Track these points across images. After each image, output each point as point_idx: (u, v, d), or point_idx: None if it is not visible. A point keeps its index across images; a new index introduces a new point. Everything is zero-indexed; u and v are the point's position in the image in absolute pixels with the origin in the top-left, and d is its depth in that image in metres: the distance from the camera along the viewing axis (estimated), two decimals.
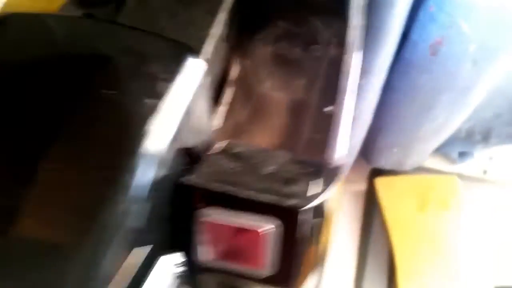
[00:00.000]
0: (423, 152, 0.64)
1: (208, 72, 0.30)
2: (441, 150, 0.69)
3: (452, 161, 0.70)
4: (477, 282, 0.60)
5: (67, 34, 0.30)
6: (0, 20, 0.32)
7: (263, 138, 0.38)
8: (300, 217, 0.28)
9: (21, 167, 0.26)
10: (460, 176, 0.68)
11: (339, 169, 0.32)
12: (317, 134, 0.38)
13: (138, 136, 0.26)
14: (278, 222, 0.28)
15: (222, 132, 0.39)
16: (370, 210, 0.69)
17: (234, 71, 0.41)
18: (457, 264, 0.61)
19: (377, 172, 0.70)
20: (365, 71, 0.49)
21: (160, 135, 0.26)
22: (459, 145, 0.68)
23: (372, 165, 0.69)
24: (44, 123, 0.27)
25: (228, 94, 0.40)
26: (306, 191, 0.28)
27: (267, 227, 0.28)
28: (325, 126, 0.38)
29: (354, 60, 0.35)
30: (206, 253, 0.29)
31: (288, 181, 0.29)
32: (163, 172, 0.27)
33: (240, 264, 0.29)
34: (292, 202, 0.27)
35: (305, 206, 0.28)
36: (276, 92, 0.41)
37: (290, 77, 0.41)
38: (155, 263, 0.28)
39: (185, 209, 0.29)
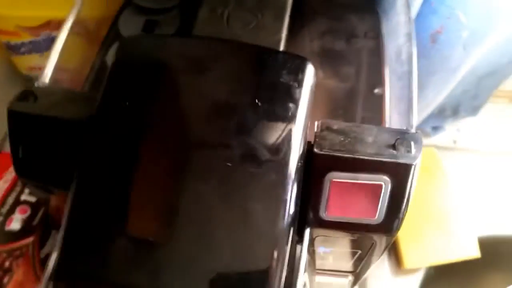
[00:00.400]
0: None
1: None
2: (417, 126, 0.79)
3: (427, 135, 0.81)
4: (465, 233, 0.71)
5: (201, 54, 0.35)
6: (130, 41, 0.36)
7: (321, 116, 0.45)
8: (412, 170, 0.34)
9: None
10: (435, 147, 0.79)
11: (420, 135, 0.39)
12: (370, 113, 0.45)
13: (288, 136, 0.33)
14: (393, 177, 0.35)
15: None
16: None
17: None
18: (447, 220, 0.71)
19: None
20: None
21: (298, 133, 0.33)
22: (433, 120, 0.79)
23: None
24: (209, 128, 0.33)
25: None
26: (410, 151, 0.35)
27: (385, 181, 0.34)
28: (376, 106, 0.46)
29: (414, 49, 0.43)
30: (328, 210, 0.35)
31: (392, 145, 0.36)
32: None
33: (357, 215, 0.36)
34: (404, 159, 0.34)
35: (414, 162, 0.34)
36: (328, 80, 0.47)
37: (338, 66, 0.48)
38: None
39: (315, 172, 0.35)
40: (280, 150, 0.32)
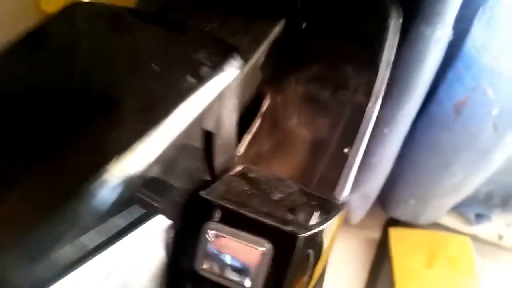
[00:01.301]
0: (439, 209, 0.65)
1: (239, 89, 0.32)
2: (458, 209, 0.70)
3: (468, 222, 0.71)
4: None
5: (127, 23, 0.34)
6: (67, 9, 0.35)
7: (280, 169, 0.41)
8: (298, 243, 0.29)
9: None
10: (475, 238, 0.69)
11: (342, 206, 0.34)
12: (331, 173, 0.40)
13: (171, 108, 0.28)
14: (277, 244, 0.30)
15: (244, 159, 0.41)
16: (381, 259, 0.70)
17: (265, 105, 0.44)
18: None
19: (393, 222, 0.71)
20: (390, 121, 0.51)
21: (189, 112, 0.28)
22: (477, 206, 0.69)
23: (388, 214, 0.71)
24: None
25: (256, 124, 0.43)
26: (307, 220, 0.30)
27: (266, 247, 0.30)
28: (340, 166, 0.40)
29: (375, 109, 0.38)
30: (203, 262, 0.31)
31: (293, 209, 0.31)
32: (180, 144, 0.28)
33: (232, 279, 0.31)
34: (292, 228, 0.29)
35: (303, 233, 0.29)
36: (301, 129, 0.43)
37: (315, 116, 0.43)
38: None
39: (197, 219, 0.31)
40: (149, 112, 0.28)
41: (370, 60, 0.45)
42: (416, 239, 0.68)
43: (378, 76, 0.39)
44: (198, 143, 0.31)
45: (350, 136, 0.41)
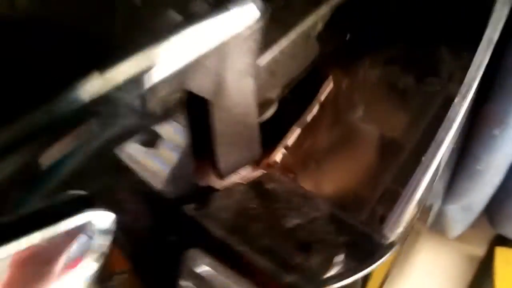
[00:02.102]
0: None
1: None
2: None
3: None
4: None
5: None
6: None
7: (334, 175, 0.32)
8: None
9: None
10: None
11: (388, 248, 0.24)
12: (399, 187, 0.30)
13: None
14: None
15: (292, 154, 0.33)
16: (482, 280, 0.59)
17: (325, 90, 0.35)
18: None
19: (502, 241, 0.59)
20: (501, 120, 0.41)
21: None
22: None
23: (496, 230, 0.59)
24: None
25: (311, 113, 0.34)
26: (323, 265, 0.22)
27: None
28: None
29: (464, 104, 0.27)
30: None
31: (308, 245, 0.22)
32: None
33: None
34: (293, 278, 0.21)
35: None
36: (367, 124, 0.34)
37: (390, 109, 0.34)
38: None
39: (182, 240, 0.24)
40: None
41: (471, 40, 0.34)
42: None
43: (474, 59, 0.28)
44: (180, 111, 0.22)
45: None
